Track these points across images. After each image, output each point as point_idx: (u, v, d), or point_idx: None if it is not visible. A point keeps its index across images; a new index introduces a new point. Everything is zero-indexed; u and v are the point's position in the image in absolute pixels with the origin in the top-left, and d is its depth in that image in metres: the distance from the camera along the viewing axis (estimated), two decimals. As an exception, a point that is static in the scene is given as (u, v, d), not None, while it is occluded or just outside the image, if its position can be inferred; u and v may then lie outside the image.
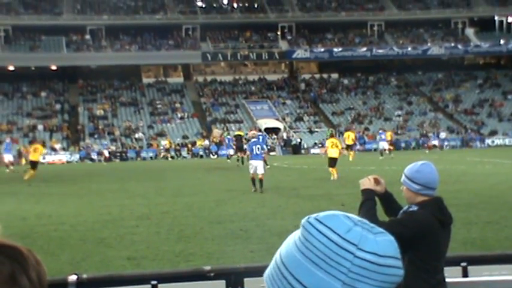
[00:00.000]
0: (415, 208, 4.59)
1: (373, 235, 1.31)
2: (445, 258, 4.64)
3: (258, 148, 23.42)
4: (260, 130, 51.76)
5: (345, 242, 1.29)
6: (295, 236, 1.37)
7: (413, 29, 79.53)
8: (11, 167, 40.20)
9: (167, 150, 59.92)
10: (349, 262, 1.28)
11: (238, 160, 39.35)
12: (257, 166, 22.94)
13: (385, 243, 1.31)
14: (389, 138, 48.59)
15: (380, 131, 49.69)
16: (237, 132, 45.21)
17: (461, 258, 5.26)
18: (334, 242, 1.30)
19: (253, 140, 24.94)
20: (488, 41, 76.14)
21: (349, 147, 43.22)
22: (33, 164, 33.63)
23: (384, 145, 46.77)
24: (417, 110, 71.31)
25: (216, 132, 63.64)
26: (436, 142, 58.21)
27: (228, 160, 43.81)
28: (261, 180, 22.60)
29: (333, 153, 27.85)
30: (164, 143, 61.43)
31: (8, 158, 41.21)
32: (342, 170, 28.95)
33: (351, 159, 40.94)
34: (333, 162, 27.68)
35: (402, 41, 77.79)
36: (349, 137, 43.67)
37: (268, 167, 36.52)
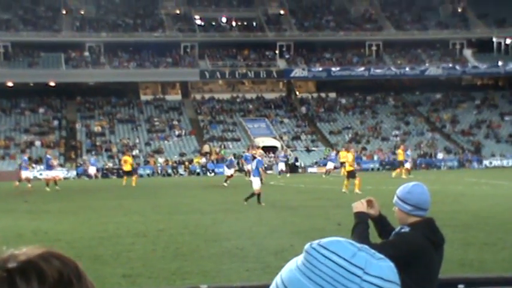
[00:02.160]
0: (406, 229, 4.60)
1: (376, 260, 1.33)
2: (437, 280, 4.62)
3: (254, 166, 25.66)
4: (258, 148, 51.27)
5: (352, 266, 1.30)
6: (298, 261, 1.37)
7: (411, 49, 79.82)
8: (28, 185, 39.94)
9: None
10: (357, 285, 1.29)
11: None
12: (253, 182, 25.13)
13: (387, 268, 1.33)
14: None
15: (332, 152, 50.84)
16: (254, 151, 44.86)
17: (459, 280, 5.23)
18: (341, 266, 1.31)
19: (258, 158, 26.58)
20: (486, 62, 76.39)
21: (400, 164, 45.13)
22: (128, 173, 41.51)
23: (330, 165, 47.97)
24: (415, 130, 71.39)
25: (207, 147, 63.82)
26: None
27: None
28: (253, 194, 24.58)
29: (347, 167, 30.90)
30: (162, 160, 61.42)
31: (25, 174, 41.13)
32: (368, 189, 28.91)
33: (404, 176, 42.39)
34: (348, 174, 30.22)
35: (400, 61, 78.05)
36: (400, 154, 45.39)
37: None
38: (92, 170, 57.58)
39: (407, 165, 46.57)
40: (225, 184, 38.13)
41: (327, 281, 1.30)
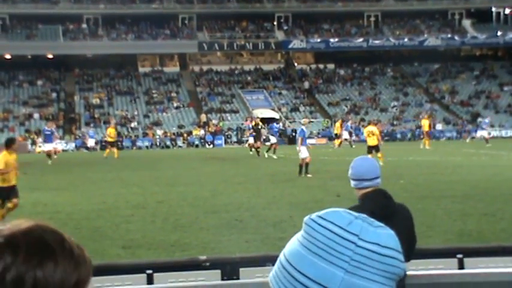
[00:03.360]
0: (357, 203, 4.68)
1: (374, 228, 1.35)
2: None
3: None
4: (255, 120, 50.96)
5: (347, 233, 1.32)
6: (298, 234, 1.41)
7: (410, 20, 79.43)
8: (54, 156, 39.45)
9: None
10: (351, 251, 1.31)
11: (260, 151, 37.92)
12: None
13: (386, 235, 1.35)
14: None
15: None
16: (256, 122, 41.92)
17: (457, 250, 5.24)
18: (336, 233, 1.33)
19: (302, 127, 25.94)
20: (485, 33, 76.08)
21: (426, 135, 44.65)
22: (111, 144, 41.49)
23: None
24: (413, 101, 71.30)
25: (204, 117, 63.85)
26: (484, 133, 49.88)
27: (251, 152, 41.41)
28: (301, 166, 24.44)
29: (370, 141, 29.25)
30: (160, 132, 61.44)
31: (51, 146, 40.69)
32: (397, 160, 28.93)
33: (427, 147, 42.13)
34: (370, 149, 28.81)
35: (399, 32, 77.70)
36: (425, 124, 44.69)
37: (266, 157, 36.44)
38: (90, 143, 57.59)
39: (485, 134, 46.32)
40: (274, 156, 36.71)
41: (323, 249, 1.32)
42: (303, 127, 25.81)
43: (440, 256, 4.84)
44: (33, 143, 56.90)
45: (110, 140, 41.98)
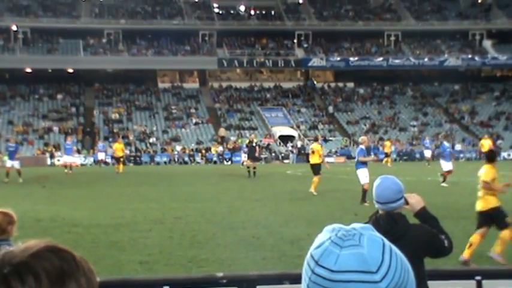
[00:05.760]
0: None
1: (340, 249, 1.32)
2: None
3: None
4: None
5: (310, 259, 1.33)
6: None
7: (430, 40, 79.24)
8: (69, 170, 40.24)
9: None
10: (308, 278, 1.31)
11: (249, 171, 36.08)
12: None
13: (348, 257, 1.30)
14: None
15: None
16: (250, 139, 40.73)
17: (476, 272, 5.21)
18: (306, 260, 1.34)
19: (361, 147, 22.04)
20: (506, 54, 75.66)
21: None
22: (117, 160, 43.52)
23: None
24: (433, 121, 71.02)
25: (222, 131, 63.99)
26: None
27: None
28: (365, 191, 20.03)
29: (312, 159, 25.75)
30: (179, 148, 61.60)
31: (67, 159, 42.06)
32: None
33: None
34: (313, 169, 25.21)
35: (419, 52, 77.55)
36: (484, 146, 41.57)
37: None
38: (100, 156, 53.08)
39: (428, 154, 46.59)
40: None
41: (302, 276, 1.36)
42: (362, 146, 21.82)
43: (458, 278, 4.81)
44: (52, 156, 57.17)
45: (116, 155, 43.85)
